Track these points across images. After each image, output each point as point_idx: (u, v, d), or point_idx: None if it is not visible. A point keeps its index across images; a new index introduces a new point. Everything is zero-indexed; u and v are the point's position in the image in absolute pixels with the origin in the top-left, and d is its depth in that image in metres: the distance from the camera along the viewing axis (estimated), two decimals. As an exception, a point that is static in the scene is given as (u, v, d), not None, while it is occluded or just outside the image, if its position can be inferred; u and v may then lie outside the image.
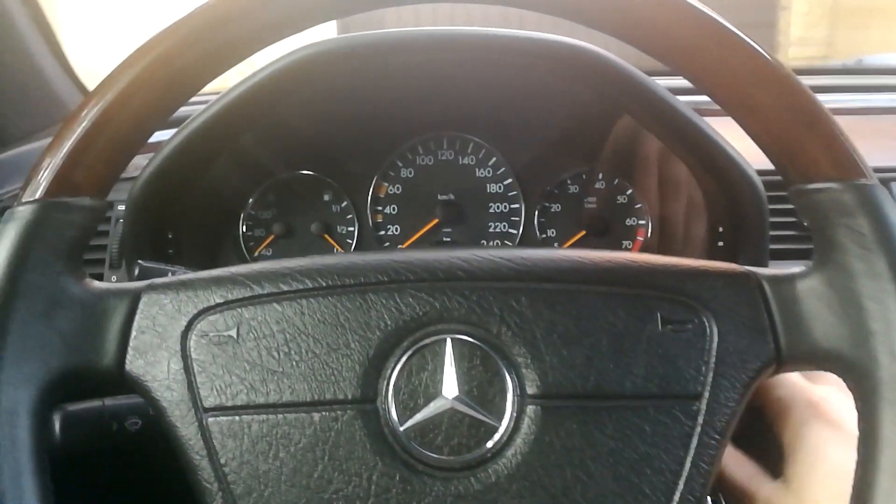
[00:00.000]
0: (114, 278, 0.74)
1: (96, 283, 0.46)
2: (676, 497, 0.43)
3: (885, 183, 0.80)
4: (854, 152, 0.43)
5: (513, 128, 0.84)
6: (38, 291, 0.43)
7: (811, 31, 4.99)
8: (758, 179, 0.71)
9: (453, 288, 0.45)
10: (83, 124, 0.44)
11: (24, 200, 0.44)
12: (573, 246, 0.86)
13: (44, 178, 0.44)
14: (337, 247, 0.86)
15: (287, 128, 0.81)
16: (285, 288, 0.45)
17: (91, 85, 0.96)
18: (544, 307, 0.44)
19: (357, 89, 0.78)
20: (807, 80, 1.17)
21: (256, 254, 0.85)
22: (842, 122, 1.05)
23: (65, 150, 0.44)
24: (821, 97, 1.05)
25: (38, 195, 0.43)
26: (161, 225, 0.75)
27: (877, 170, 0.83)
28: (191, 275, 0.47)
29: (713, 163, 0.73)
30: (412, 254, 0.47)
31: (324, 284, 0.45)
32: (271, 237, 0.85)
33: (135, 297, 0.46)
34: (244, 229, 0.85)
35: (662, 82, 0.73)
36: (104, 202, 0.46)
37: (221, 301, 0.45)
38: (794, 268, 0.46)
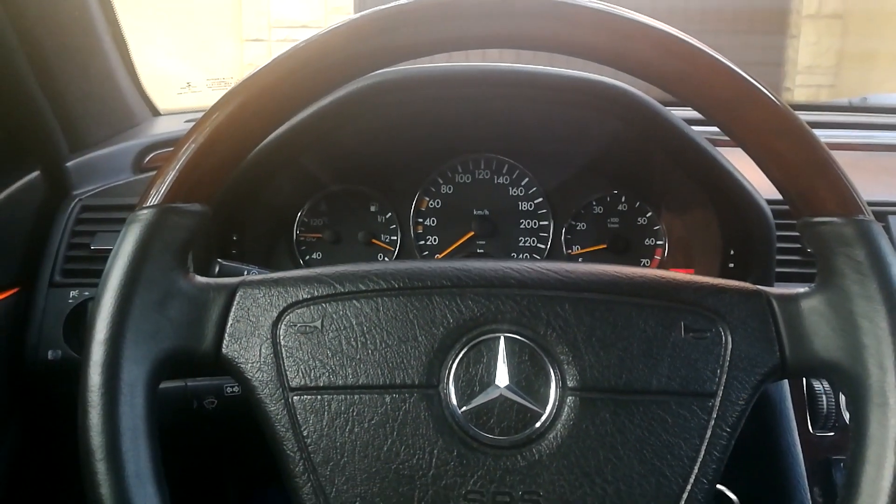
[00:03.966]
0: None
1: (199, 278, 0.53)
2: (691, 480, 0.50)
3: (885, 216, 0.88)
4: (855, 193, 0.51)
5: (545, 152, 0.92)
6: (154, 284, 0.50)
7: (819, 60, 5.06)
8: (767, 209, 0.79)
9: (507, 294, 0.52)
10: (196, 143, 0.51)
11: (145, 205, 0.51)
12: (593, 255, 0.94)
13: (162, 188, 0.51)
14: (387, 247, 0.93)
15: (341, 147, 0.89)
16: (363, 287, 0.53)
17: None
18: (585, 314, 0.52)
19: (406, 114, 0.86)
20: (814, 116, 1.26)
21: (308, 258, 0.93)
22: (846, 157, 1.14)
23: (180, 165, 0.51)
24: (827, 132, 1.13)
25: (157, 201, 0.51)
26: (228, 228, 0.83)
27: (878, 203, 0.92)
28: (280, 273, 0.55)
29: (728, 192, 0.80)
30: (471, 263, 0.54)
31: (396, 286, 0.53)
32: (322, 243, 0.92)
33: (232, 291, 0.53)
34: (297, 235, 0.93)
35: (679, 113, 0.80)
36: (210, 208, 0.53)
37: (308, 297, 0.53)
38: (800, 288, 0.54)
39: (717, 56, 0.51)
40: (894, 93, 1.37)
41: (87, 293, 0.79)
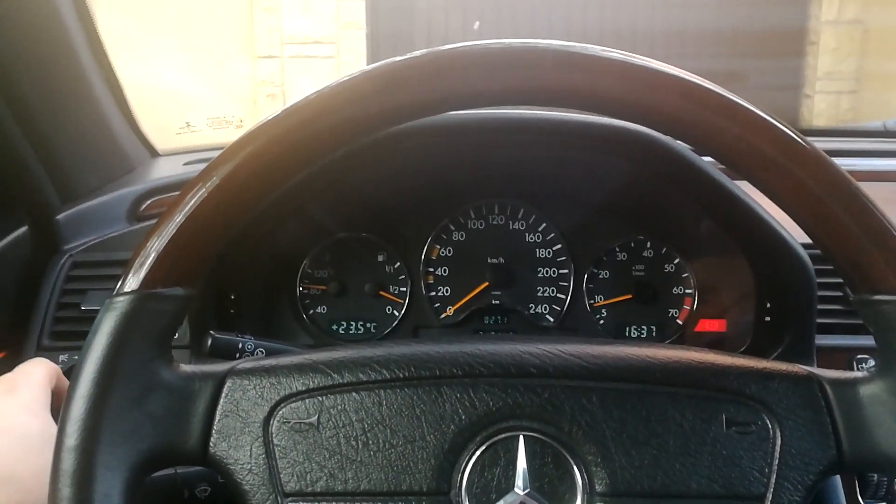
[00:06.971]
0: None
1: (183, 367, 0.48)
2: None
3: None
4: None
5: (563, 195, 0.86)
6: (132, 378, 0.45)
7: (839, 66, 4.97)
8: (807, 258, 0.72)
9: (526, 385, 0.47)
10: (175, 223, 0.45)
11: (122, 291, 0.46)
12: (617, 306, 0.88)
13: (140, 271, 0.46)
14: (395, 299, 0.88)
15: (348, 193, 0.84)
16: (364, 378, 0.47)
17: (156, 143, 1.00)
18: (614, 407, 0.46)
19: (416, 160, 0.81)
20: (843, 143, 1.19)
21: (311, 312, 0.88)
22: (881, 189, 1.07)
23: (159, 246, 0.46)
24: (858, 161, 1.05)
25: (134, 286, 0.46)
26: (225, 286, 0.78)
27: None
28: (273, 360, 0.49)
29: (761, 240, 0.74)
30: (484, 346, 0.49)
31: (401, 376, 0.47)
32: (326, 295, 0.87)
33: (219, 382, 0.48)
34: (301, 288, 0.87)
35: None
36: (194, 291, 0.48)
37: (303, 389, 0.47)
38: (857, 372, 0.48)
39: (756, 110, 0.45)
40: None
41: (76, 357, 0.75)
